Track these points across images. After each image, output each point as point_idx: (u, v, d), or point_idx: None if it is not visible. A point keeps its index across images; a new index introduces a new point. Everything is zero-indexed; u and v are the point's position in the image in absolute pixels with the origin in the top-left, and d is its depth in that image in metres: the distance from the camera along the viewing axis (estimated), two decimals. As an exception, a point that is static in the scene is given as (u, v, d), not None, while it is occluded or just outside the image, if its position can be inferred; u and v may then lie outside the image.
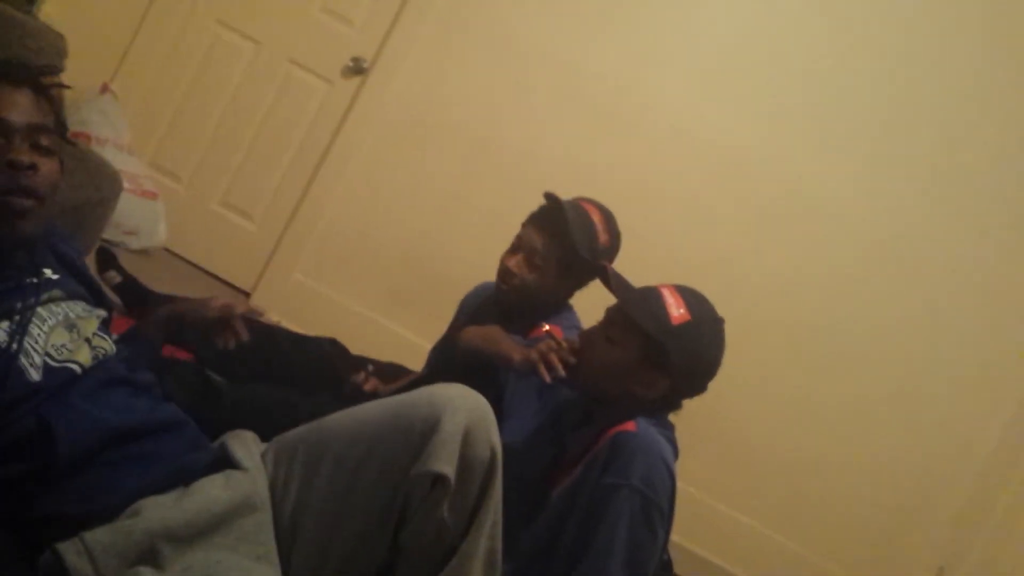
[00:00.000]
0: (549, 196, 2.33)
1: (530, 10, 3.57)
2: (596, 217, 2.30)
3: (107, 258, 2.75)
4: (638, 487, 1.60)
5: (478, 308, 2.55)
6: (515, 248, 2.33)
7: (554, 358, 1.76)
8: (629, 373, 1.77)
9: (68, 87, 1.57)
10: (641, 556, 1.62)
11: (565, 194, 2.35)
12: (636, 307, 1.78)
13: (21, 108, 1.29)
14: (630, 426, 1.68)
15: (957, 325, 3.52)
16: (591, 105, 3.56)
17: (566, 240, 2.25)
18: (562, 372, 1.75)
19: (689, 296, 1.80)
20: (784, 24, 3.52)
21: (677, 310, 1.76)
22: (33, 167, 1.28)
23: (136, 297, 2.72)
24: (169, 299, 2.75)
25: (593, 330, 1.86)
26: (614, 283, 1.85)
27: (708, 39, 3.54)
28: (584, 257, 2.24)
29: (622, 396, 1.78)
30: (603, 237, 2.30)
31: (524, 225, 2.35)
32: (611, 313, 1.84)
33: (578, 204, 2.32)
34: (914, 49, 3.47)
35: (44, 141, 1.31)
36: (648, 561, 1.63)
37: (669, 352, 1.73)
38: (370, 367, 2.49)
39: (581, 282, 2.36)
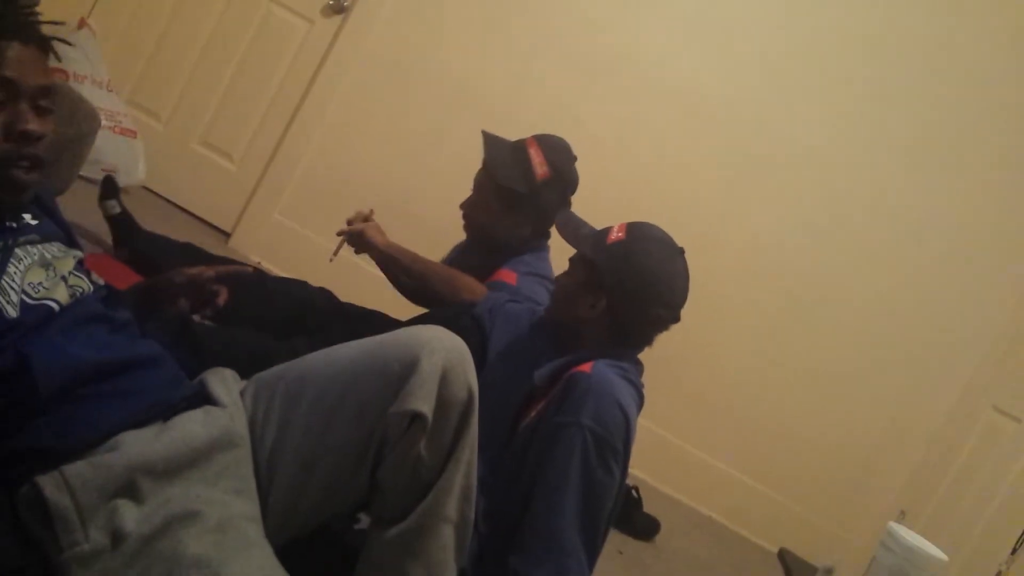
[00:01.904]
0: (483, 133, 2.37)
1: (514, -49, 3.53)
2: (533, 150, 2.31)
3: (111, 187, 2.74)
4: (588, 425, 1.64)
5: (459, 252, 2.56)
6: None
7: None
8: (575, 295, 1.86)
9: (71, 44, 1.51)
10: (596, 492, 1.65)
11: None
12: (573, 231, 1.91)
13: (29, 68, 1.25)
14: (586, 367, 1.72)
15: (928, 278, 3.57)
16: (572, 49, 3.55)
17: (496, 172, 2.30)
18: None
19: (635, 224, 1.88)
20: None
21: (616, 234, 1.85)
22: (42, 137, 1.25)
23: (127, 232, 2.71)
24: (156, 238, 2.74)
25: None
26: (559, 220, 1.97)
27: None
28: (520, 190, 2.27)
29: (574, 321, 1.87)
30: (540, 170, 2.29)
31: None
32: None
33: (519, 141, 2.33)
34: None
35: (46, 103, 1.28)
36: (604, 498, 1.67)
37: (601, 269, 1.82)
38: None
39: (540, 218, 2.35)
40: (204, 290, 1.57)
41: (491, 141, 2.34)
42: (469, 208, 2.39)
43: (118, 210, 2.73)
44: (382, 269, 2.36)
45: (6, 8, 1.24)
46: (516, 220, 2.34)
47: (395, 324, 2.65)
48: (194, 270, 1.58)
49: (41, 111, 1.27)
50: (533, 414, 1.79)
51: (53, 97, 1.29)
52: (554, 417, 1.69)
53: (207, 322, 2.26)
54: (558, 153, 2.33)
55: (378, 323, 2.65)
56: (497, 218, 2.35)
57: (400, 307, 2.71)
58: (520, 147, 2.32)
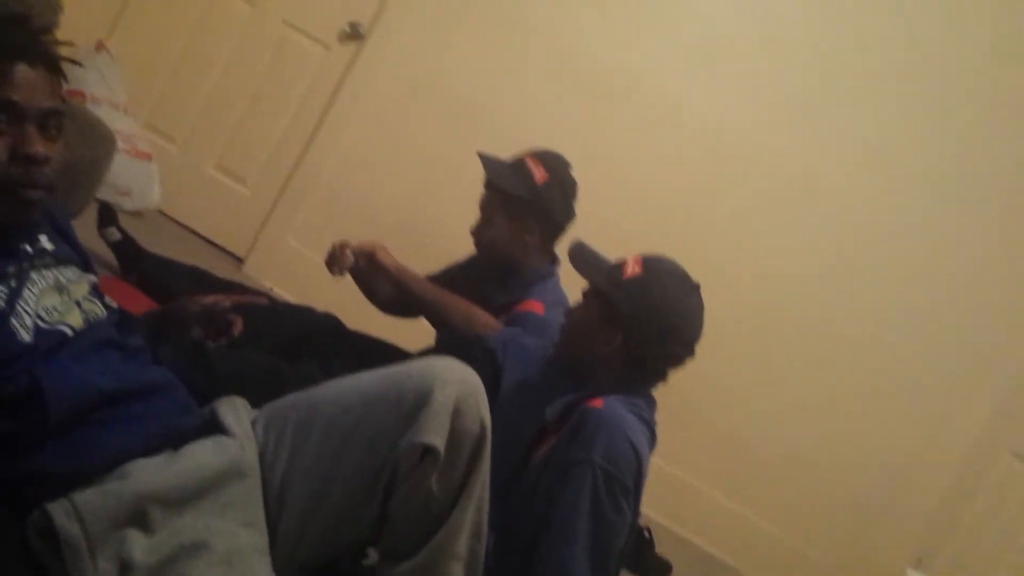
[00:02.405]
0: (479, 155, 2.42)
1: (527, -21, 3.56)
2: (529, 160, 2.38)
3: (108, 215, 2.74)
4: (599, 462, 1.63)
5: (459, 271, 2.57)
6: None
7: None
8: (590, 330, 1.86)
9: (81, 64, 1.50)
10: (607, 531, 1.64)
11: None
12: (590, 266, 1.92)
13: (36, 91, 1.22)
14: (597, 403, 1.71)
15: (943, 320, 3.53)
16: (585, 77, 3.56)
17: (500, 186, 2.36)
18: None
19: (651, 258, 1.87)
20: (778, 3, 3.50)
21: (632, 268, 1.84)
22: (47, 160, 1.23)
23: (131, 257, 2.71)
24: (163, 261, 2.75)
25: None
26: (572, 251, 1.97)
27: (702, 15, 3.53)
28: (524, 195, 2.32)
29: (589, 356, 1.86)
30: (538, 173, 2.35)
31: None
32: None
33: (514, 157, 2.41)
34: (911, 32, 3.46)
35: (54, 126, 1.26)
36: (614, 537, 1.65)
37: (617, 304, 1.81)
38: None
39: (547, 221, 2.39)
40: (219, 319, 1.56)
41: (488, 159, 2.41)
42: (478, 229, 2.42)
43: (118, 236, 2.73)
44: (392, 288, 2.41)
45: (12, 30, 1.23)
46: (524, 226, 2.37)
47: (401, 353, 2.66)
48: (209, 299, 1.57)
49: (48, 134, 1.25)
50: (544, 449, 1.78)
51: (61, 120, 1.27)
52: (565, 454, 1.67)
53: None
54: (553, 159, 2.41)
55: (385, 351, 2.66)
56: (506, 230, 2.39)
57: (406, 335, 2.71)
58: (517, 161, 2.40)
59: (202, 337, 1.57)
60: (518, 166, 2.38)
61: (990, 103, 3.45)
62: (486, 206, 2.42)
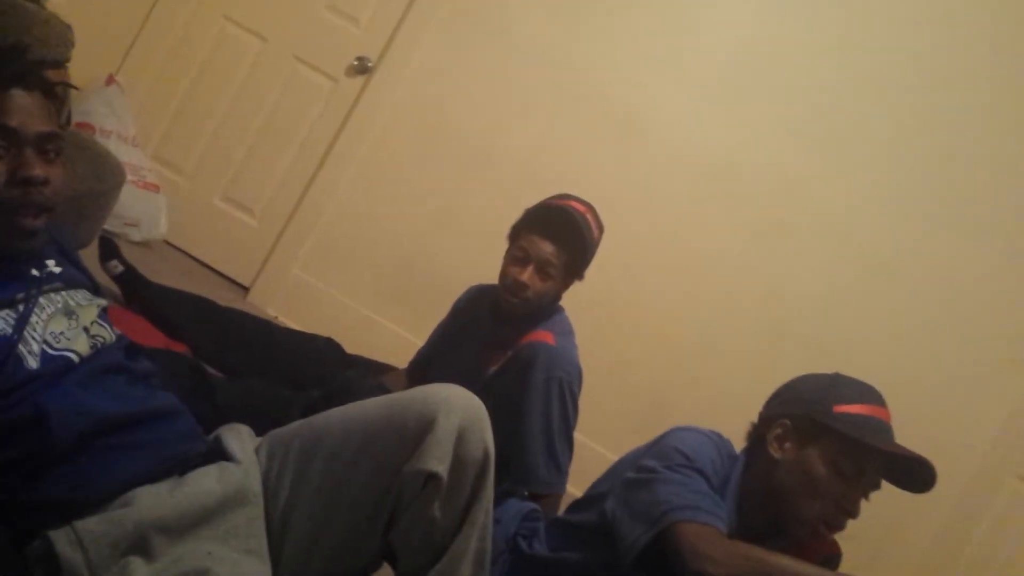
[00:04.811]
0: (551, 207, 2.35)
1: (535, 15, 3.58)
2: (588, 215, 2.35)
3: (109, 248, 2.76)
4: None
5: (473, 313, 2.56)
6: (523, 260, 2.32)
7: None
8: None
9: (77, 88, 1.53)
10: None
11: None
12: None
13: (33, 116, 1.24)
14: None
15: (949, 344, 3.51)
16: (592, 112, 3.57)
17: (577, 245, 2.30)
18: None
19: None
20: (786, 33, 3.51)
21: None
22: (46, 182, 1.25)
23: (136, 288, 2.72)
24: (167, 291, 2.76)
25: None
26: None
27: (710, 49, 3.54)
28: (590, 258, 2.34)
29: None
30: (596, 233, 2.37)
31: (524, 234, 2.34)
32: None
33: (571, 208, 2.34)
34: (918, 61, 3.47)
35: (53, 148, 1.28)
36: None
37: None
38: None
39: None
40: None
41: (576, 217, 2.31)
42: (530, 283, 2.31)
43: (121, 269, 2.74)
44: None
45: (7, 59, 1.25)
46: (574, 279, 2.40)
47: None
48: None
49: (47, 157, 1.27)
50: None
51: (59, 143, 1.29)
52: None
53: (220, 374, 2.27)
54: (597, 213, 2.41)
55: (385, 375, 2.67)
56: (561, 286, 2.39)
57: (406, 359, 2.72)
58: (575, 213, 2.32)
59: None
60: (580, 222, 2.31)
61: (997, 125, 3.45)
62: (547, 262, 2.30)
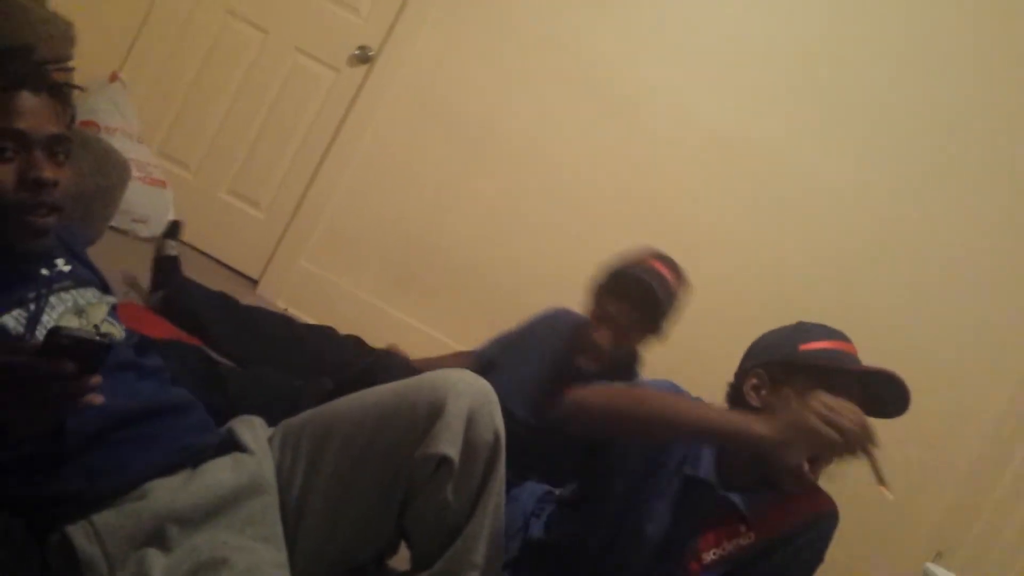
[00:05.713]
0: (632, 275, 2.33)
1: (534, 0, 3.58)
2: (668, 275, 2.34)
3: (176, 230, 2.78)
4: None
5: (551, 343, 2.53)
6: (599, 322, 2.34)
7: None
8: None
9: (82, 89, 1.53)
10: None
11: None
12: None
13: (41, 118, 1.25)
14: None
15: (951, 316, 3.51)
16: (593, 93, 3.56)
17: (658, 310, 2.31)
18: None
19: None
20: (782, 7, 3.50)
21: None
22: (56, 184, 1.26)
23: (169, 275, 2.74)
24: (192, 285, 2.77)
25: None
26: None
27: (709, 27, 3.52)
28: (670, 319, 2.35)
29: None
30: (673, 282, 2.35)
31: (601, 297, 2.36)
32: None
33: (650, 267, 2.33)
34: (913, 35, 3.45)
35: (62, 150, 1.29)
36: None
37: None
38: None
39: None
40: None
41: (660, 288, 2.31)
42: (607, 346, 2.33)
43: (175, 252, 2.76)
44: None
45: (15, 61, 1.26)
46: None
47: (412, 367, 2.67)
48: None
49: (56, 159, 1.28)
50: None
51: (68, 145, 1.29)
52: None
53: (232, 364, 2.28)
54: (677, 267, 2.40)
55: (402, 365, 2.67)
56: (637, 343, 2.41)
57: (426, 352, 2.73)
58: (653, 270, 2.33)
59: None
60: (663, 282, 2.32)
61: (991, 97, 3.44)
62: (625, 324, 2.32)
